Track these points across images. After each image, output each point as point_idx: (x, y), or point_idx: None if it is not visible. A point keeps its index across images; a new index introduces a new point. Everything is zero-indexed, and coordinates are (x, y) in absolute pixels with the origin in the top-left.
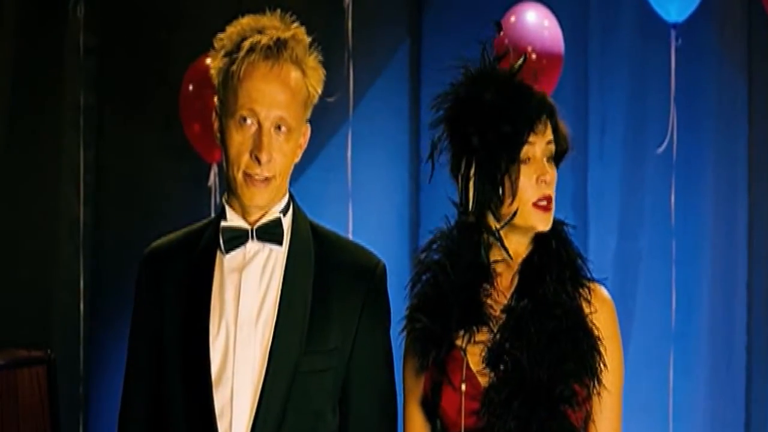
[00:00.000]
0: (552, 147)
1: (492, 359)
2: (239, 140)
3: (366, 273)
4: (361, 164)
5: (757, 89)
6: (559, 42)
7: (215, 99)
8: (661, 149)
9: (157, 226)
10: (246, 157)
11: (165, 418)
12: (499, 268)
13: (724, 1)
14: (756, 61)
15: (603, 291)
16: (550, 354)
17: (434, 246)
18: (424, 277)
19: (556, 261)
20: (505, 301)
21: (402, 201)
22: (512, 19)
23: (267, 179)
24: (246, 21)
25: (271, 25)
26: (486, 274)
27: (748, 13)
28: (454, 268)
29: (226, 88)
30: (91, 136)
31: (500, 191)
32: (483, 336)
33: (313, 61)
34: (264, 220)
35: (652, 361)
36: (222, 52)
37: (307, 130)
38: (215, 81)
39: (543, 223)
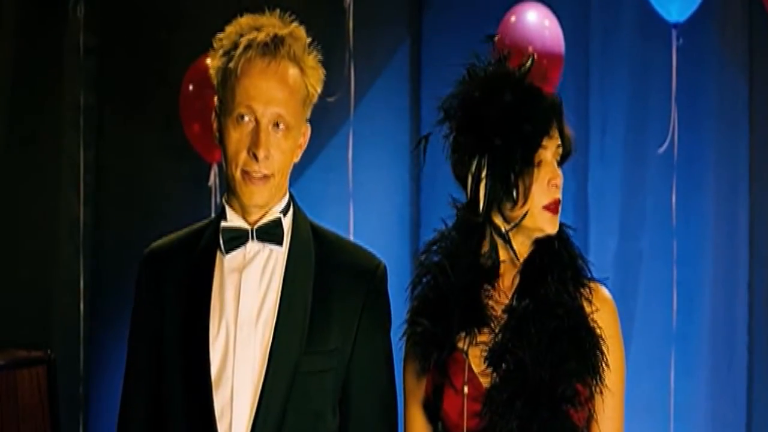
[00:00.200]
0: (560, 150)
1: (494, 359)
2: (237, 138)
3: (366, 274)
4: (362, 164)
5: (758, 89)
6: (559, 42)
7: (215, 99)
8: (662, 149)
9: (157, 226)
10: (244, 155)
11: (165, 418)
12: (501, 268)
13: (725, 1)
14: (757, 61)
15: (604, 291)
16: (553, 353)
17: (434, 248)
18: (424, 279)
19: (557, 261)
20: (507, 302)
21: (402, 201)
22: (513, 19)
23: (265, 177)
24: (244, 20)
25: (270, 23)
26: (486, 275)
27: (749, 13)
28: (455, 269)
29: (224, 87)
30: (91, 136)
31: (514, 194)
32: (484, 337)
33: (312, 60)
34: (264, 221)
35: (654, 361)
36: (220, 52)
37: (307, 130)
38: (214, 81)
39: (552, 226)
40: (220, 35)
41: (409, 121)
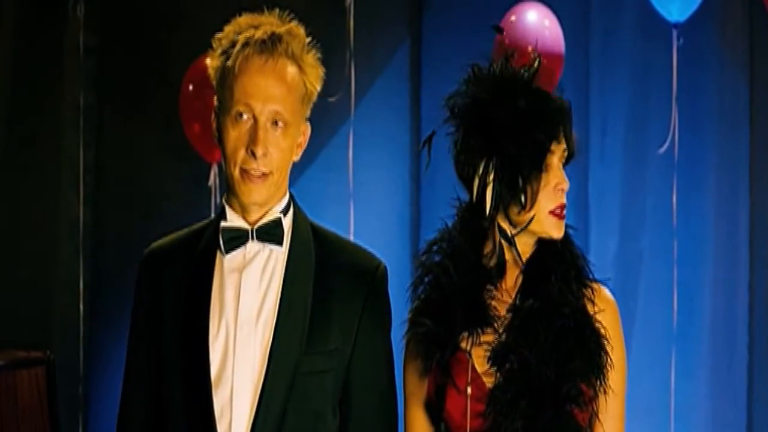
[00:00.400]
0: (566, 153)
1: (497, 359)
2: (235, 136)
3: (366, 275)
4: (362, 164)
5: (758, 89)
6: (559, 42)
7: (214, 99)
8: (662, 149)
9: (157, 227)
10: (242, 153)
11: (164, 418)
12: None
13: (725, 1)
14: (757, 61)
15: (606, 292)
16: (558, 353)
17: (435, 248)
18: (426, 279)
19: (560, 261)
20: (510, 301)
21: (403, 201)
22: (512, 18)
23: (264, 175)
24: (243, 19)
25: (268, 21)
26: (489, 275)
27: (749, 13)
28: (457, 269)
29: (223, 86)
30: (91, 136)
31: (522, 199)
32: (488, 337)
33: (311, 58)
34: (264, 221)
35: (654, 361)
36: (219, 51)
37: (307, 129)
38: (213, 80)
39: (558, 231)
40: (219, 35)
41: (409, 121)
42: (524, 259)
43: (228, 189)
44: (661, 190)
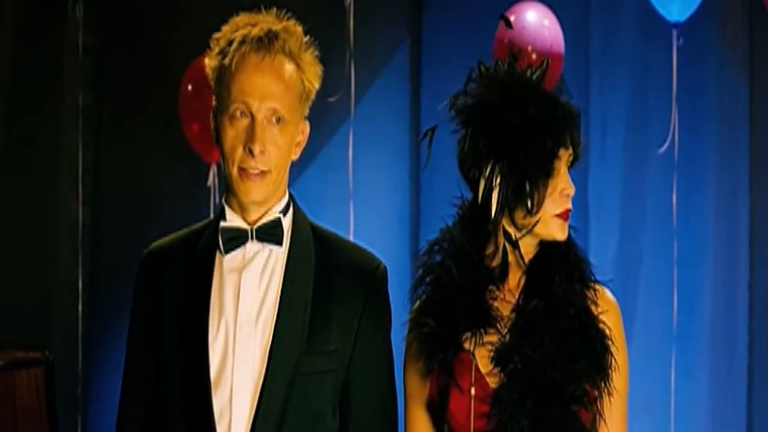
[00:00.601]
0: (571, 157)
1: (501, 359)
2: (233, 134)
3: (366, 275)
4: (362, 164)
5: (758, 89)
6: (559, 42)
7: (213, 99)
8: (662, 150)
9: (156, 227)
10: (240, 151)
11: (164, 418)
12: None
13: (725, 1)
14: (757, 61)
15: (608, 294)
16: (563, 353)
17: (436, 248)
18: (427, 279)
19: (564, 262)
20: (513, 302)
21: (402, 201)
22: (512, 18)
23: (262, 173)
24: (240, 18)
25: (264, 19)
26: (491, 276)
27: (749, 13)
28: (459, 269)
29: (220, 85)
30: (90, 136)
31: (529, 204)
32: (491, 338)
33: (309, 55)
34: (264, 221)
35: (654, 362)
36: (216, 50)
37: (306, 127)
38: (211, 80)
39: (562, 233)
40: (217, 35)
41: (409, 121)
42: (527, 260)
43: (227, 189)
44: (661, 190)
